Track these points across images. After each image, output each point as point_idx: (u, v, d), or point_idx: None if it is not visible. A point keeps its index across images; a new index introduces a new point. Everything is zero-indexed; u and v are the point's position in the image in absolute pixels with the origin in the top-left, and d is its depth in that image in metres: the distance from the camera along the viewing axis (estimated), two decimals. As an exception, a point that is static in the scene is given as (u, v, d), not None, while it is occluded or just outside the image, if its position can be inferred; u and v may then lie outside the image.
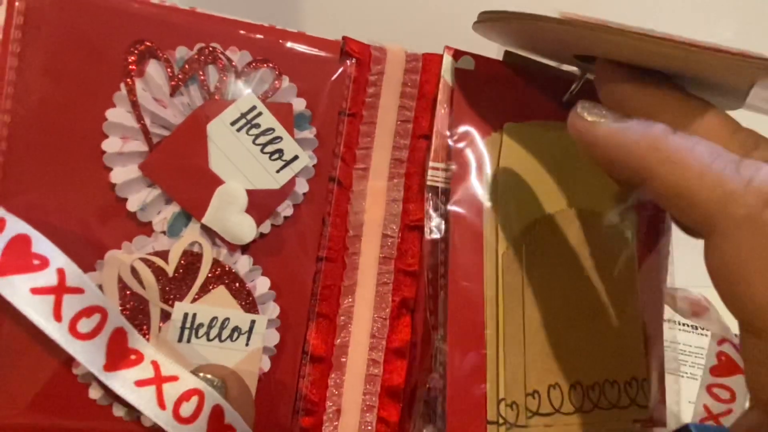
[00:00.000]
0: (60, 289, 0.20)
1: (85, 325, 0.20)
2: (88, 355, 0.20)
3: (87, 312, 0.20)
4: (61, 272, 0.20)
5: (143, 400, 0.20)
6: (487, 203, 0.25)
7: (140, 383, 0.20)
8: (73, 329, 0.19)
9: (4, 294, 0.19)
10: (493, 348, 0.24)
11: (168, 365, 0.21)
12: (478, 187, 0.25)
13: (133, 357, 0.21)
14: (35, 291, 0.19)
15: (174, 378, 0.21)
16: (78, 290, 0.20)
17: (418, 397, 0.25)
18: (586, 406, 0.25)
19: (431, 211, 0.25)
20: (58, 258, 0.20)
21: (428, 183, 0.25)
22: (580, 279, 0.26)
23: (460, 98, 0.25)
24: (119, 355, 0.20)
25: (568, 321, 0.25)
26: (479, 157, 0.25)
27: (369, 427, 0.25)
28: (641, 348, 0.27)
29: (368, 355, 0.25)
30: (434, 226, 0.25)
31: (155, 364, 0.21)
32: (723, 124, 0.18)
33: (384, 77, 0.26)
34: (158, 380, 0.21)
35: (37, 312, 0.19)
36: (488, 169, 0.25)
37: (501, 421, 0.24)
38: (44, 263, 0.20)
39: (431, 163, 0.25)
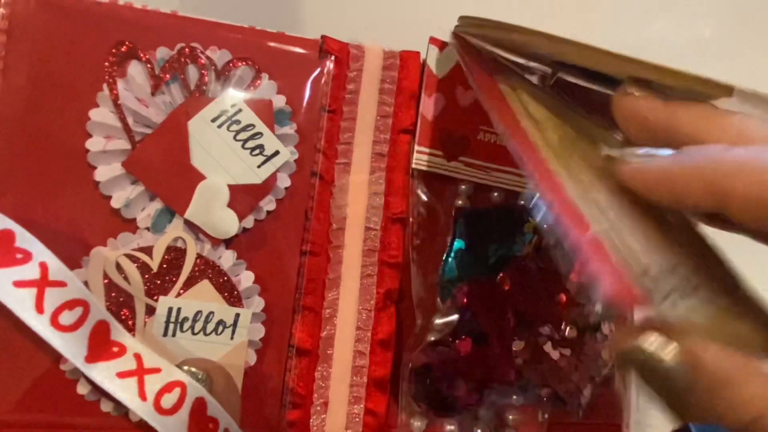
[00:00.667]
0: (42, 282, 0.20)
1: (67, 318, 0.20)
2: (70, 347, 0.20)
3: (69, 305, 0.20)
4: (43, 266, 0.20)
5: (124, 391, 0.20)
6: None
7: (122, 374, 0.21)
8: (55, 321, 0.20)
9: None
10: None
11: (150, 357, 0.21)
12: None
13: (115, 349, 0.21)
14: (18, 284, 0.20)
15: (156, 370, 0.21)
16: (60, 284, 0.20)
17: (402, 375, 0.25)
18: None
19: (419, 192, 0.25)
20: (40, 252, 0.20)
21: (413, 167, 0.25)
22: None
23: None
24: (102, 347, 0.21)
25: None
26: None
27: (357, 419, 0.25)
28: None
29: (354, 347, 0.26)
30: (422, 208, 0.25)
31: (138, 357, 0.21)
32: (755, 123, 0.17)
33: (363, 74, 0.27)
34: (140, 372, 0.21)
35: (20, 304, 0.20)
36: None
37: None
38: (27, 257, 0.20)
39: (417, 147, 0.26)
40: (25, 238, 0.20)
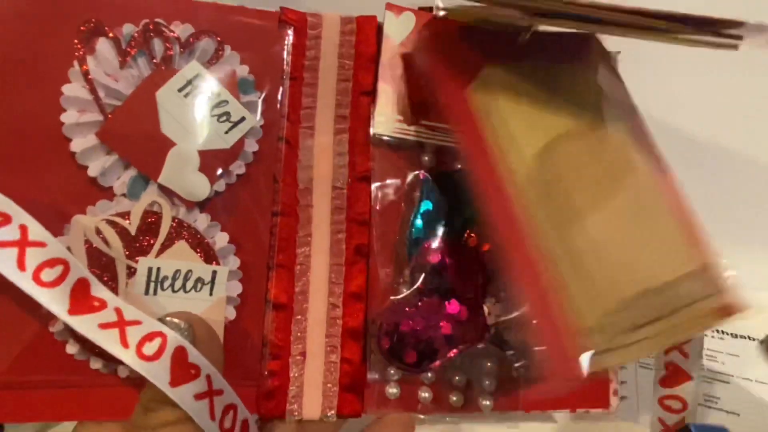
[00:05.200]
0: (23, 243, 0.21)
1: (48, 275, 0.22)
2: (53, 301, 0.21)
3: (50, 263, 0.22)
4: (23, 228, 0.22)
5: (107, 340, 0.22)
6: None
7: (104, 326, 0.22)
8: (36, 278, 0.21)
9: None
10: (556, 279, 0.22)
11: (130, 311, 0.23)
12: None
13: (96, 304, 0.22)
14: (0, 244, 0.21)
15: (137, 322, 0.22)
16: (40, 244, 0.22)
17: (371, 332, 0.27)
18: (663, 310, 0.22)
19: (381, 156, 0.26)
20: (20, 215, 0.22)
21: (374, 132, 0.27)
22: (603, 194, 0.23)
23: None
24: (83, 301, 0.22)
25: (608, 229, 0.22)
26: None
27: (334, 367, 0.27)
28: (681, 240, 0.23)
29: (328, 299, 0.27)
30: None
31: (118, 310, 0.22)
32: None
33: (322, 41, 0.28)
34: (121, 324, 0.22)
35: (2, 262, 0.21)
36: None
37: (587, 350, 0.21)
38: (7, 219, 0.21)
39: (377, 113, 0.27)
40: (3, 203, 0.22)
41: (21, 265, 0.21)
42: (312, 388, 0.26)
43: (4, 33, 0.24)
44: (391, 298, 0.27)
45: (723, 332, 0.37)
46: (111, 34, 0.25)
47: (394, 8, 0.28)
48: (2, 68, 0.24)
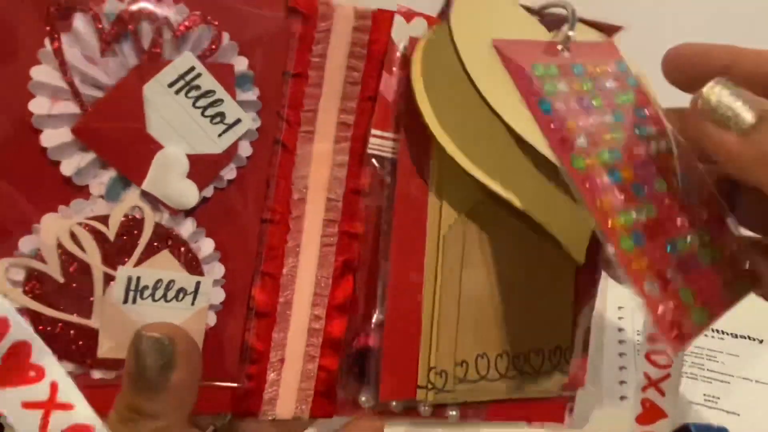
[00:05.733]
0: None
1: None
2: None
3: None
4: None
5: (22, 423, 0.19)
6: (432, 178, 0.25)
7: (27, 405, 0.20)
8: None
9: None
10: (429, 320, 0.26)
11: (68, 391, 0.20)
12: (424, 161, 0.25)
13: (32, 374, 0.20)
14: None
15: (68, 406, 0.20)
16: None
17: (344, 357, 0.27)
18: (510, 372, 0.28)
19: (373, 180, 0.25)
20: None
21: (369, 151, 0.25)
22: (517, 255, 0.27)
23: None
24: (15, 370, 0.19)
25: (502, 295, 0.27)
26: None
27: (311, 375, 0.27)
28: (569, 319, 0.29)
29: (311, 310, 0.27)
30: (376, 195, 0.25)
31: (53, 386, 0.20)
32: None
33: (331, 35, 0.25)
34: (49, 405, 0.20)
35: None
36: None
37: (430, 386, 0.26)
38: None
39: (373, 131, 0.25)
40: None
41: None
42: (287, 391, 0.27)
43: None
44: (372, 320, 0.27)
45: (723, 332, 0.39)
46: (91, 10, 0.21)
47: (405, 12, 0.25)
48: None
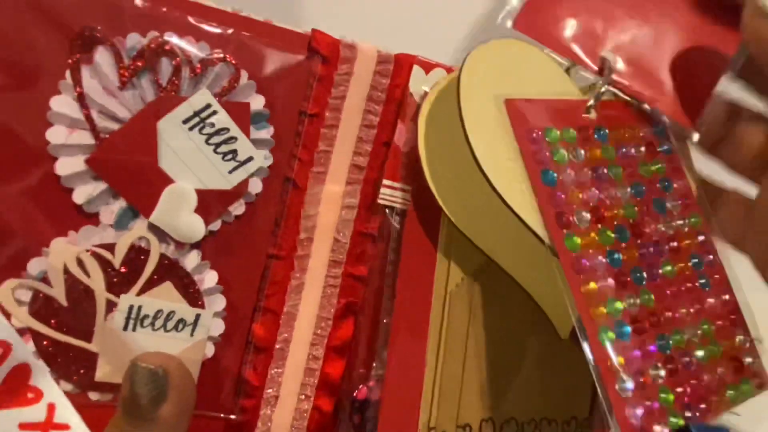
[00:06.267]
0: None
1: None
2: None
3: None
4: None
5: None
6: (441, 233, 0.25)
7: (24, 426, 0.20)
8: None
9: None
10: (431, 379, 0.25)
11: (65, 412, 0.20)
12: (434, 214, 0.24)
13: (30, 395, 0.20)
14: None
15: (64, 427, 0.20)
16: None
17: (343, 405, 0.27)
18: None
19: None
20: None
21: (379, 201, 0.25)
22: (529, 317, 0.26)
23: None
24: (14, 392, 0.20)
25: (512, 358, 0.26)
26: None
27: (304, 414, 0.27)
28: (588, 388, 0.27)
29: (309, 350, 0.27)
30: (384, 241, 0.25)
31: (51, 407, 0.20)
32: None
33: (352, 78, 0.25)
34: (46, 426, 0.20)
35: None
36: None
37: None
38: None
39: (384, 181, 0.25)
40: None
41: None
42: (279, 428, 0.27)
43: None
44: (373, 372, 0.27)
45: None
46: (112, 44, 0.21)
47: (424, 63, 0.24)
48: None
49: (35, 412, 0.20)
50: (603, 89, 0.23)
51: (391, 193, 0.25)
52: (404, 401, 0.25)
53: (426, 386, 0.25)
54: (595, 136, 0.22)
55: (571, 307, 0.19)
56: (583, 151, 0.22)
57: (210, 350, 0.25)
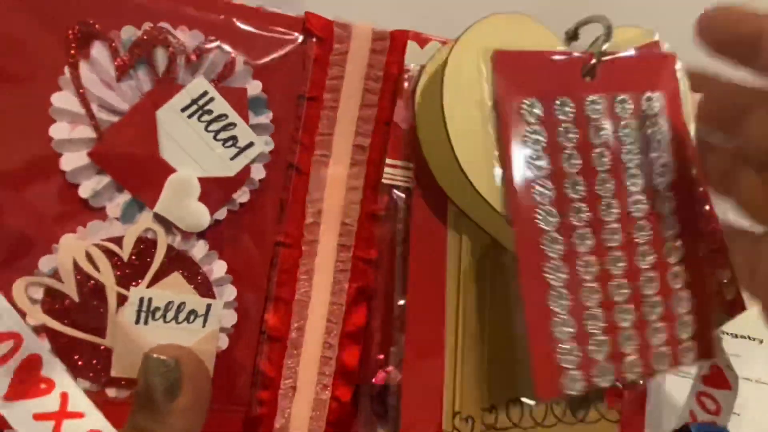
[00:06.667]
0: None
1: None
2: None
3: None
4: None
5: None
6: (450, 209, 0.24)
7: (39, 416, 0.20)
8: None
9: None
10: (452, 361, 0.24)
11: (78, 400, 0.21)
12: (440, 191, 0.24)
13: (42, 386, 0.21)
14: None
15: (78, 415, 0.21)
16: None
17: (363, 392, 0.26)
18: (548, 420, 0.25)
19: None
20: None
21: (384, 181, 0.24)
22: None
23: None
24: (27, 383, 0.20)
25: None
26: None
27: (323, 405, 0.26)
28: None
29: (324, 338, 0.26)
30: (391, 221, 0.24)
31: (64, 396, 0.21)
32: None
33: (348, 57, 0.25)
34: (60, 415, 0.20)
35: None
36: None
37: None
38: None
39: (388, 160, 0.24)
40: None
41: None
42: (298, 420, 0.26)
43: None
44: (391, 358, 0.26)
45: (723, 332, 0.37)
46: (108, 38, 0.22)
47: (419, 38, 0.24)
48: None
49: (49, 402, 0.20)
50: (605, 44, 0.23)
51: (394, 173, 0.24)
52: (426, 386, 0.24)
53: (448, 368, 0.24)
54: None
55: None
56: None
57: (224, 342, 0.25)
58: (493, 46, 0.22)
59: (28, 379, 0.20)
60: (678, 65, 0.25)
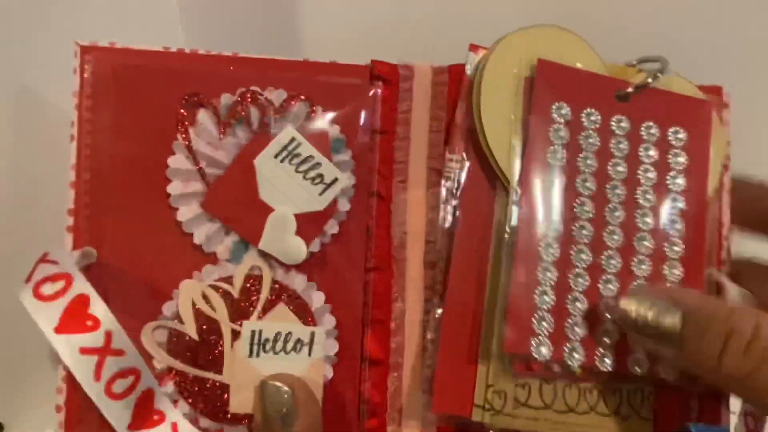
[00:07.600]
0: (104, 351, 0.22)
1: (119, 386, 0.22)
2: (117, 414, 0.22)
3: (124, 373, 0.22)
4: (108, 334, 0.22)
5: None
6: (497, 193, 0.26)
7: None
8: (108, 389, 0.22)
9: (57, 350, 0.22)
10: (488, 334, 0.25)
11: (185, 428, 0.23)
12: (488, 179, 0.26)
13: (155, 417, 0.23)
14: (84, 351, 0.22)
15: None
16: (120, 352, 0.22)
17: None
18: (581, 407, 0.25)
19: (443, 203, 0.26)
20: (107, 321, 0.22)
21: (445, 174, 0.26)
22: None
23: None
24: (144, 415, 0.22)
25: None
26: None
27: (431, 424, 0.27)
28: None
29: (423, 356, 0.27)
30: (447, 216, 0.26)
31: (174, 426, 0.23)
32: None
33: (413, 93, 0.27)
34: None
35: (81, 371, 0.22)
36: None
37: (487, 406, 0.24)
38: (96, 324, 0.22)
39: (447, 155, 0.26)
40: (97, 304, 0.22)
41: (98, 375, 0.22)
42: (409, 443, 0.27)
43: (116, 110, 0.25)
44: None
45: None
46: (210, 105, 0.26)
47: (477, 48, 0.27)
48: (114, 144, 0.25)
49: None
50: (650, 80, 0.25)
51: (452, 166, 0.26)
52: (462, 356, 0.25)
53: (484, 341, 0.25)
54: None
55: None
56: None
57: (329, 371, 0.27)
58: (536, 54, 0.25)
59: (145, 411, 0.23)
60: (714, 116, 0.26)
